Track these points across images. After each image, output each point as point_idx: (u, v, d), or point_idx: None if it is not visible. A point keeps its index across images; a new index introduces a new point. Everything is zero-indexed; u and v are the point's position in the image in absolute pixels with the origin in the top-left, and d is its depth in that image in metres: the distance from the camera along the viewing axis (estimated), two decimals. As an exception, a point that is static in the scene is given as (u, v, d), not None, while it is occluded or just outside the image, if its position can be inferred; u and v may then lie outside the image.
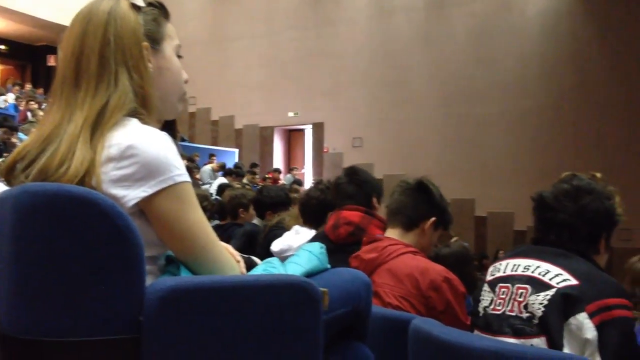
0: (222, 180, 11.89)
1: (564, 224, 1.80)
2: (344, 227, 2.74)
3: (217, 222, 5.29)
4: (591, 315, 1.57)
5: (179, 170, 1.33)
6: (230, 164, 14.43)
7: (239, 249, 3.78)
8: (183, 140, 15.55)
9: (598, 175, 1.91)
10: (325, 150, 16.78)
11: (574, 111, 13.82)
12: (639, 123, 13.15)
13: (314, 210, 3.27)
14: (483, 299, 1.83)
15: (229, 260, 1.43)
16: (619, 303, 1.60)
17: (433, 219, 2.48)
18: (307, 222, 3.25)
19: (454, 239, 12.82)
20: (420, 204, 2.49)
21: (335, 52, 16.53)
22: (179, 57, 1.59)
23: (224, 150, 16.85)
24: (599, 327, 1.56)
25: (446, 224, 2.55)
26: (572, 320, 1.58)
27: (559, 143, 13.63)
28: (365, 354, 1.67)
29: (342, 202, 2.84)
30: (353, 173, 2.96)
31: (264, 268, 1.52)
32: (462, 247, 3.75)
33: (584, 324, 1.57)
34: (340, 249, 2.63)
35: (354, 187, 2.89)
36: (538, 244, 1.84)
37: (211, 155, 14.85)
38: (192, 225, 1.34)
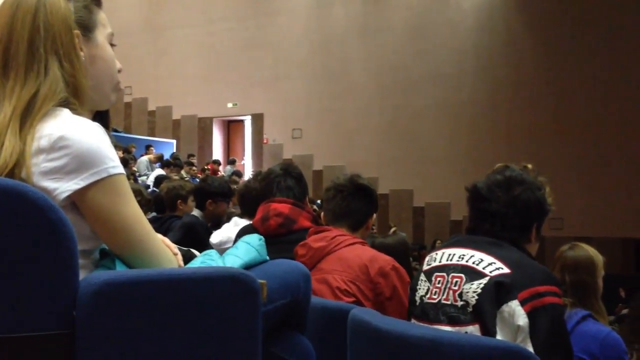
0: (159, 172, 11.70)
1: (497, 214, 1.84)
2: (274, 219, 2.74)
3: (154, 214, 5.20)
4: (523, 303, 1.62)
5: (112, 162, 1.30)
6: (167, 156, 14.22)
7: (178, 241, 3.73)
8: (115, 131, 15.22)
9: (529, 166, 1.96)
10: (265, 141, 16.72)
11: (508, 104, 14.19)
12: (569, 116, 13.60)
13: (253, 201, 3.25)
14: (419, 289, 1.86)
15: (166, 253, 1.41)
16: (549, 290, 1.65)
17: (374, 215, 2.65)
18: (246, 214, 3.23)
19: (393, 229, 13.03)
20: (365, 207, 2.60)
21: (274, 43, 16.47)
22: (112, 45, 1.55)
23: (162, 141, 16.59)
24: (530, 314, 1.61)
25: (376, 212, 2.70)
26: (504, 307, 1.63)
27: (494, 135, 13.98)
28: (304, 345, 1.67)
29: (280, 194, 2.85)
30: (290, 167, 2.99)
31: (202, 260, 1.51)
32: (401, 239, 3.81)
33: (516, 311, 1.61)
34: (270, 241, 2.64)
35: (292, 180, 2.91)
36: (472, 233, 1.88)
37: (148, 146, 14.59)
38: (127, 218, 1.32)
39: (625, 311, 4.53)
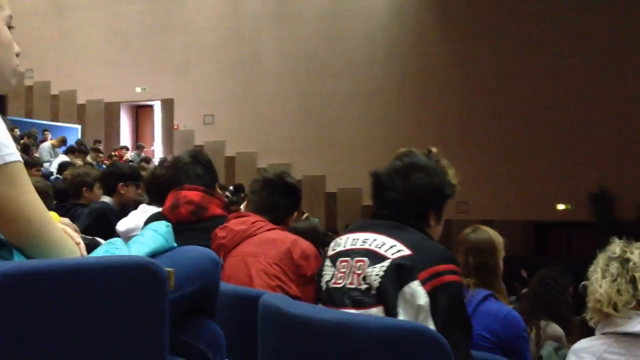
0: (63, 158, 11.24)
1: (395, 202, 1.88)
2: (185, 207, 2.72)
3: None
4: (423, 283, 1.67)
5: (8, 149, 1.24)
6: (72, 142, 13.69)
7: (87, 229, 3.61)
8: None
9: (434, 149, 2.00)
10: (175, 127, 16.40)
11: (418, 91, 14.52)
12: (476, 104, 14.06)
13: (160, 189, 3.19)
14: (325, 274, 1.87)
15: (67, 242, 1.36)
16: (447, 269, 1.71)
17: (296, 212, 2.75)
18: (154, 201, 3.17)
19: (305, 215, 13.10)
20: (288, 204, 2.68)
21: (184, 26, 16.14)
22: (11, 28, 1.48)
23: (66, 126, 15.96)
24: (431, 293, 1.66)
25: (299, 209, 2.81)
26: (406, 288, 1.67)
27: (404, 121, 14.28)
28: (214, 331, 1.66)
29: (189, 182, 2.83)
30: (198, 154, 2.98)
31: (106, 249, 1.46)
32: (311, 225, 3.85)
33: (417, 292, 1.66)
34: (180, 228, 2.62)
35: (201, 168, 2.89)
36: (376, 219, 1.92)
37: (44, 130, 13.96)
38: (24, 208, 1.27)
39: (525, 290, 4.75)
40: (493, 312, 2.73)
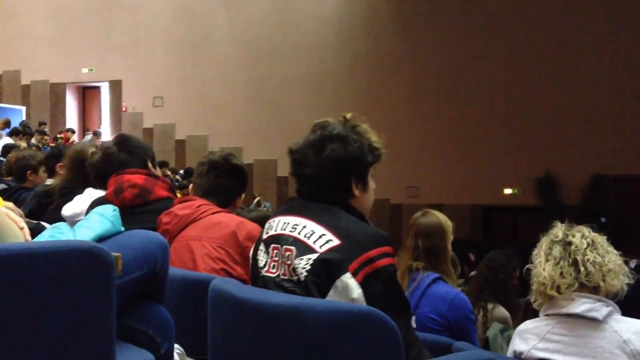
0: (7, 140, 10.91)
1: (311, 178, 1.80)
2: (129, 191, 2.67)
3: (3, 185, 4.86)
4: (355, 273, 1.62)
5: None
6: (16, 123, 13.28)
7: (32, 214, 3.51)
8: None
9: (348, 115, 1.90)
10: (123, 109, 16.08)
11: (369, 74, 14.57)
12: (426, 88, 14.19)
13: (107, 173, 3.11)
14: (259, 259, 1.81)
15: (10, 227, 1.33)
16: (379, 253, 1.65)
17: (243, 194, 2.70)
18: (101, 187, 3.09)
19: (257, 199, 13.02)
20: (235, 186, 2.64)
21: (133, 6, 15.78)
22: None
23: (9, 107, 15.44)
24: (363, 283, 1.62)
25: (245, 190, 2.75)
26: (337, 282, 1.62)
27: (356, 104, 14.28)
28: (162, 316, 1.65)
29: (116, 171, 2.77)
30: (123, 140, 2.92)
31: (51, 234, 1.43)
32: (262, 214, 3.82)
33: (349, 284, 1.62)
34: (126, 212, 2.57)
35: (125, 154, 2.84)
36: (302, 199, 1.84)
37: (-17, 112, 13.52)
38: (-37, 190, 1.22)
39: (473, 273, 4.85)
40: (441, 295, 2.77)
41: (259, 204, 12.36)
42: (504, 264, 3.82)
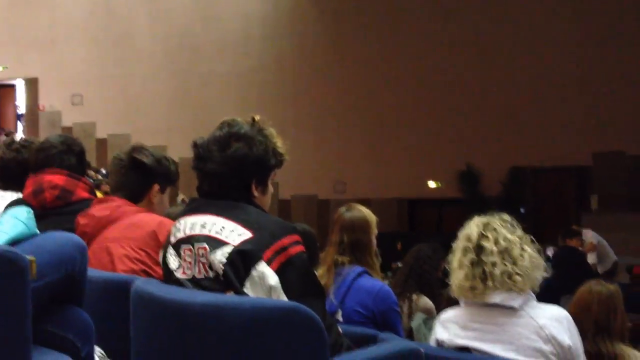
0: None
1: (213, 174, 1.79)
2: (50, 192, 2.58)
3: None
4: (269, 262, 1.64)
5: None
6: None
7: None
8: None
9: (257, 117, 1.90)
10: (40, 108, 15.50)
11: (294, 71, 14.59)
12: (352, 84, 14.31)
13: (14, 173, 2.98)
14: (170, 263, 1.79)
15: None
16: (291, 241, 1.69)
17: (156, 186, 2.54)
18: (9, 188, 2.95)
19: (181, 197, 12.83)
20: (137, 179, 2.52)
21: (48, 1, 15.23)
22: None
23: None
24: (279, 270, 1.65)
25: (171, 182, 2.60)
26: (253, 272, 1.64)
27: (281, 101, 14.28)
28: (81, 319, 1.61)
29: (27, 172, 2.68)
30: (69, 140, 2.83)
31: (-41, 238, 1.37)
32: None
33: (265, 273, 1.64)
34: (45, 214, 2.49)
35: (74, 157, 2.75)
36: (202, 196, 1.85)
37: None
38: None
39: (399, 265, 4.94)
40: (366, 288, 2.81)
41: (183, 202, 12.18)
42: (429, 256, 3.91)
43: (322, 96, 14.32)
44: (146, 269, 2.26)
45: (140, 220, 2.39)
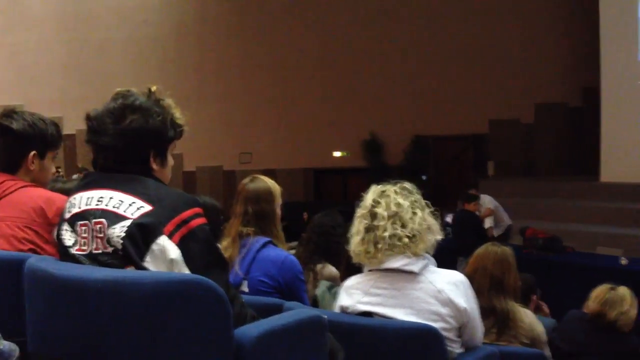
0: None
1: (108, 147, 1.73)
2: None
3: None
4: (170, 235, 1.61)
5: None
6: None
7: None
8: None
9: (154, 88, 1.84)
10: None
11: (195, 40, 14.23)
12: (253, 54, 14.13)
13: None
14: (65, 239, 1.72)
15: None
16: (192, 214, 1.66)
17: (32, 152, 2.34)
18: None
19: (83, 171, 12.35)
20: (9, 147, 2.33)
21: None
22: None
23: None
24: (180, 244, 1.62)
25: (51, 146, 2.41)
26: (154, 246, 1.61)
27: (183, 70, 13.93)
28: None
29: None
30: None
31: None
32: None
33: (166, 246, 1.61)
34: None
35: None
36: (98, 170, 1.79)
37: None
38: None
39: (304, 235, 4.97)
40: (271, 258, 2.83)
41: (78, 178, 11.76)
42: (332, 226, 3.92)
43: (225, 66, 14.09)
44: (35, 248, 2.13)
45: (27, 196, 2.23)
